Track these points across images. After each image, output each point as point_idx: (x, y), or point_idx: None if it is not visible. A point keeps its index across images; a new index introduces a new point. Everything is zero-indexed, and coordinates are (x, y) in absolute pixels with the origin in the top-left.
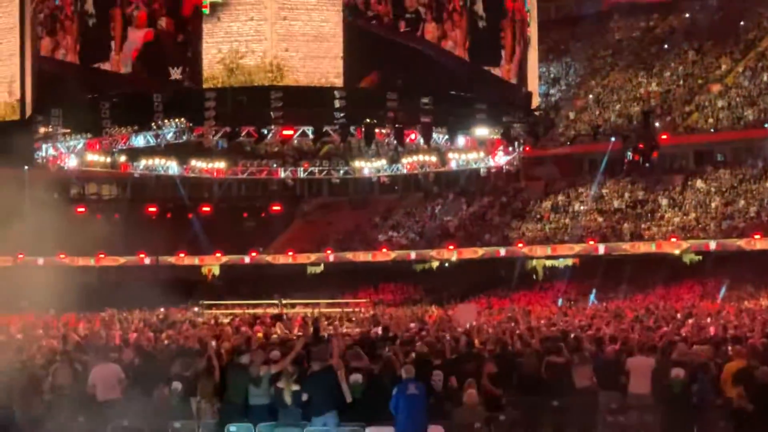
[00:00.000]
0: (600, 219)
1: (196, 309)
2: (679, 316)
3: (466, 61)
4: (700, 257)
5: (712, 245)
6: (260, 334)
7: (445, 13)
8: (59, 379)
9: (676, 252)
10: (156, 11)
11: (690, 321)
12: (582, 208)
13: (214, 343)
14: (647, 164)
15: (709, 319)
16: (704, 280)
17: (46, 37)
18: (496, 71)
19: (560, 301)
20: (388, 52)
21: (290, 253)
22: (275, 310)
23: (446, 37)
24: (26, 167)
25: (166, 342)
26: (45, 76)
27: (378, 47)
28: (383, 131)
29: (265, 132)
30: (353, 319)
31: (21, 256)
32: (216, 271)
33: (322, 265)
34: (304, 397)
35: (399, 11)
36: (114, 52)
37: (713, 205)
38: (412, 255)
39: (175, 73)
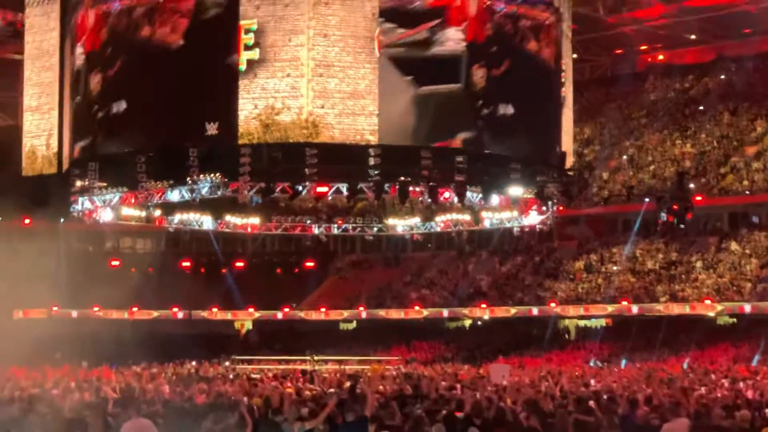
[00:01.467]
0: (633, 279)
1: (227, 364)
2: (713, 377)
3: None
4: (735, 320)
5: (747, 308)
6: (290, 390)
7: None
8: None
9: (711, 314)
10: None
11: (725, 383)
12: (615, 268)
13: (246, 399)
14: (681, 225)
15: (742, 384)
16: (738, 342)
17: None
18: None
19: (592, 362)
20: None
21: (323, 309)
22: (307, 366)
23: None
24: (62, 220)
25: (198, 397)
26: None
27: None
28: (417, 189)
29: (300, 188)
30: (385, 376)
31: (55, 308)
32: (249, 326)
33: (355, 321)
34: None
35: None
36: None
37: (748, 267)
38: (445, 313)
39: (211, 129)
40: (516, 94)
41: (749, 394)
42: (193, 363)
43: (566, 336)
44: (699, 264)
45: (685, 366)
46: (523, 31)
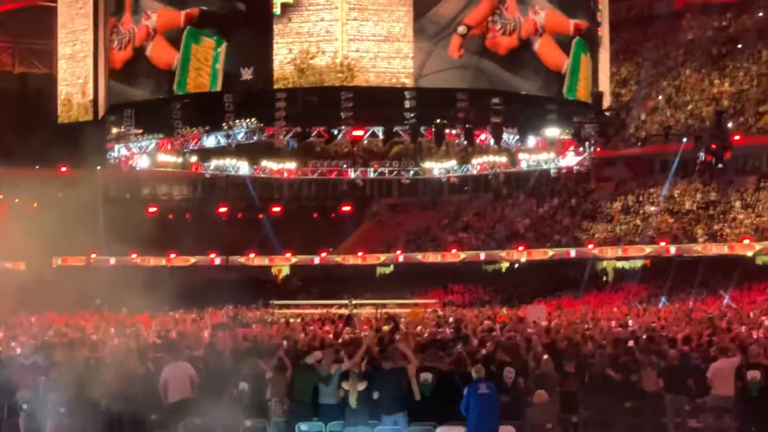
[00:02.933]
0: (671, 220)
1: (266, 308)
2: (752, 316)
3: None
4: None
5: None
6: (330, 335)
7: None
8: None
9: (749, 254)
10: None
11: (765, 322)
12: (653, 209)
13: (284, 342)
14: (720, 165)
15: None
16: None
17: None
18: None
19: (635, 304)
20: None
21: (360, 254)
22: (345, 311)
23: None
24: (99, 167)
25: (237, 341)
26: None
27: None
28: (453, 132)
29: (336, 132)
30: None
31: (94, 255)
32: (286, 271)
33: (392, 265)
34: (375, 395)
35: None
36: None
37: None
38: (482, 256)
39: (246, 74)
40: None
41: None
42: (231, 308)
43: (604, 278)
44: (737, 204)
45: (725, 302)
46: None
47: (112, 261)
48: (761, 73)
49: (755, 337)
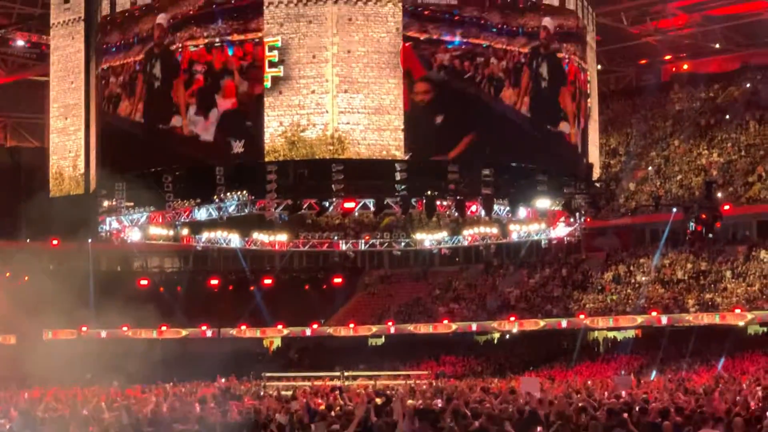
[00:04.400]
0: (662, 290)
1: (258, 381)
2: (745, 387)
3: (535, 121)
4: (765, 329)
5: None
6: (322, 407)
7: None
8: None
9: (741, 323)
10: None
11: (759, 392)
12: (644, 279)
13: (277, 415)
14: (710, 235)
15: None
16: None
17: (125, 99)
18: (563, 126)
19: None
20: (479, 113)
21: (351, 325)
22: (337, 382)
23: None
24: (90, 240)
25: (230, 414)
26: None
27: (470, 109)
28: (444, 203)
29: (327, 204)
30: (416, 390)
31: (85, 329)
32: (278, 343)
33: (384, 337)
34: None
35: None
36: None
37: None
38: (474, 327)
39: (237, 146)
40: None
41: None
42: (223, 380)
43: (596, 348)
44: (728, 273)
45: (717, 373)
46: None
47: (103, 334)
48: (749, 144)
49: (752, 407)
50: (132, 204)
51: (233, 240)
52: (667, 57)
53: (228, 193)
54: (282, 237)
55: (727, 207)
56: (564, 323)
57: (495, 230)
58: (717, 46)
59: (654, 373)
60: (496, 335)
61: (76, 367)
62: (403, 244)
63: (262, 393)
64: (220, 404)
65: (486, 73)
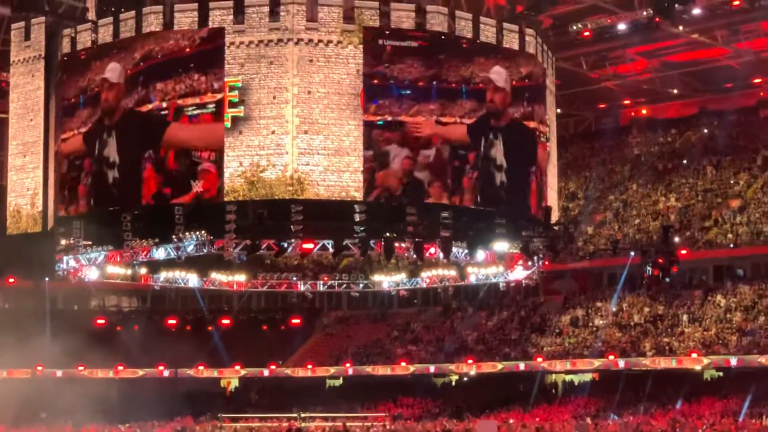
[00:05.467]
0: (619, 334)
1: (215, 421)
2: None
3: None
4: (721, 373)
5: (733, 361)
6: None
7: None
8: None
9: (697, 368)
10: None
11: None
12: (601, 322)
13: None
14: (667, 279)
15: None
16: (725, 396)
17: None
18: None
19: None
20: None
21: (309, 366)
22: (294, 423)
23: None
24: (47, 279)
25: None
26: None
27: None
28: (403, 245)
29: (285, 245)
30: None
31: (40, 368)
32: (235, 383)
33: (341, 378)
34: None
35: None
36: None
37: (734, 320)
38: (431, 368)
39: (197, 186)
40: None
41: None
42: (180, 420)
43: (553, 391)
44: (685, 317)
45: (673, 418)
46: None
47: (59, 373)
48: (706, 188)
49: None
50: (90, 243)
51: (191, 280)
52: (626, 101)
53: (187, 233)
54: (240, 277)
55: (684, 251)
56: (522, 366)
57: (453, 272)
58: (675, 91)
59: (611, 416)
60: (454, 377)
61: (31, 406)
62: (361, 285)
63: None
64: None
65: None
